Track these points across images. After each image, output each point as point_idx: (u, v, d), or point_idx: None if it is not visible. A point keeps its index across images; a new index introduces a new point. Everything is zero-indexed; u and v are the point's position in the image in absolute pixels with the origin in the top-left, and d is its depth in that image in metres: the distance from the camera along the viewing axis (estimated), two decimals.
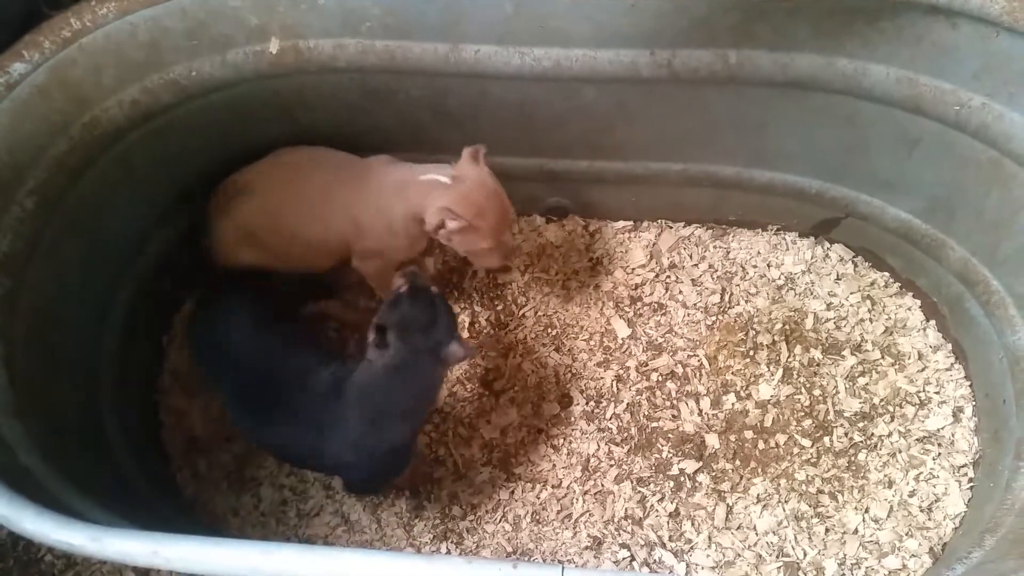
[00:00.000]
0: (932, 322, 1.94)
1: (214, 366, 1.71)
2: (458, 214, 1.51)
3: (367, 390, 1.51)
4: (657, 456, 1.84)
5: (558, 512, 1.79)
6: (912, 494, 1.77)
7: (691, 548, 1.75)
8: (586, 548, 1.75)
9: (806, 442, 1.83)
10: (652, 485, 1.81)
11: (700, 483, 1.81)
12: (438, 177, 1.57)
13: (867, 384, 1.89)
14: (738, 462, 1.83)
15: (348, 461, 1.56)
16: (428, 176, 1.59)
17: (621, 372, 1.92)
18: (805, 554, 1.73)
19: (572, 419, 1.88)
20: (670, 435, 1.85)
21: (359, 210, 1.66)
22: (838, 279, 2.02)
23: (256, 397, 1.60)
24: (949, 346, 1.91)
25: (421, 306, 1.48)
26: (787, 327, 1.95)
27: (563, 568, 0.96)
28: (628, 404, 1.89)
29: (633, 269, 2.04)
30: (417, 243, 1.71)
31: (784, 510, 1.77)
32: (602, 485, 1.81)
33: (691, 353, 1.94)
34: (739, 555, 1.74)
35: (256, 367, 1.63)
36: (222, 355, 1.67)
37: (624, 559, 1.74)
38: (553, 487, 1.82)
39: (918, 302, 1.97)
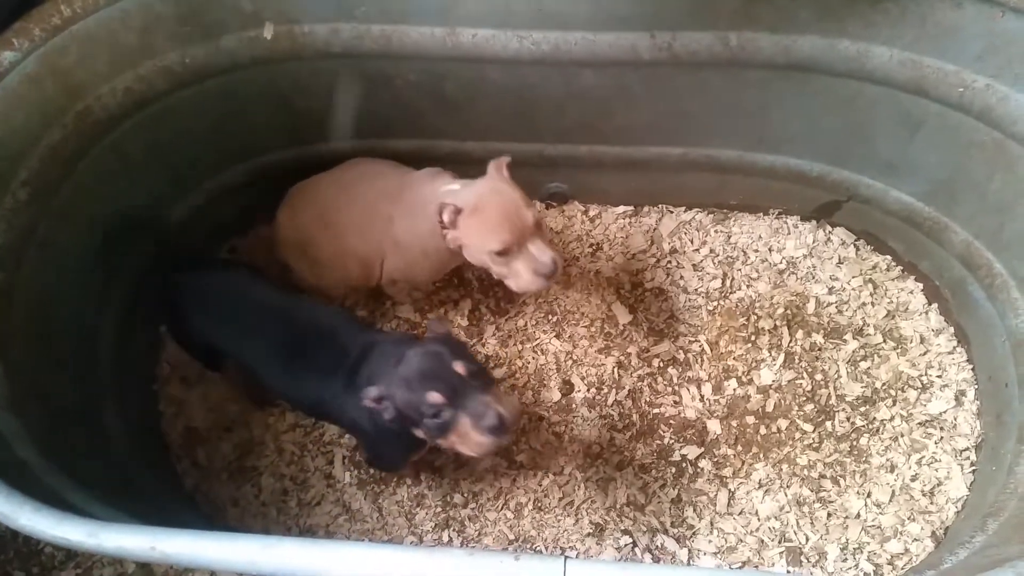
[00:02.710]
0: (934, 305, 1.93)
1: (234, 334, 1.58)
2: (453, 203, 1.45)
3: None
4: (659, 442, 1.83)
5: (560, 499, 1.79)
6: (914, 478, 1.77)
7: (693, 534, 1.75)
8: (588, 535, 1.75)
9: (808, 427, 1.83)
10: (654, 471, 1.81)
11: (702, 469, 1.80)
12: (453, 186, 1.57)
13: (869, 368, 1.88)
14: (740, 447, 1.82)
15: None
16: (448, 187, 1.58)
17: (622, 358, 1.91)
18: (807, 539, 1.73)
19: (573, 406, 1.88)
20: (672, 421, 1.85)
21: (397, 226, 1.66)
22: (840, 263, 2.00)
23: (292, 351, 1.54)
24: (951, 329, 1.90)
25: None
26: (788, 312, 1.94)
27: (565, 559, 0.95)
28: (629, 390, 1.88)
29: (634, 255, 2.03)
30: (442, 265, 1.73)
31: (786, 495, 1.77)
32: (604, 472, 1.81)
33: (692, 339, 1.93)
34: (741, 540, 1.74)
35: (288, 320, 1.56)
36: (244, 318, 1.58)
37: (626, 545, 1.74)
38: (555, 474, 1.81)
39: (920, 285, 1.96)
